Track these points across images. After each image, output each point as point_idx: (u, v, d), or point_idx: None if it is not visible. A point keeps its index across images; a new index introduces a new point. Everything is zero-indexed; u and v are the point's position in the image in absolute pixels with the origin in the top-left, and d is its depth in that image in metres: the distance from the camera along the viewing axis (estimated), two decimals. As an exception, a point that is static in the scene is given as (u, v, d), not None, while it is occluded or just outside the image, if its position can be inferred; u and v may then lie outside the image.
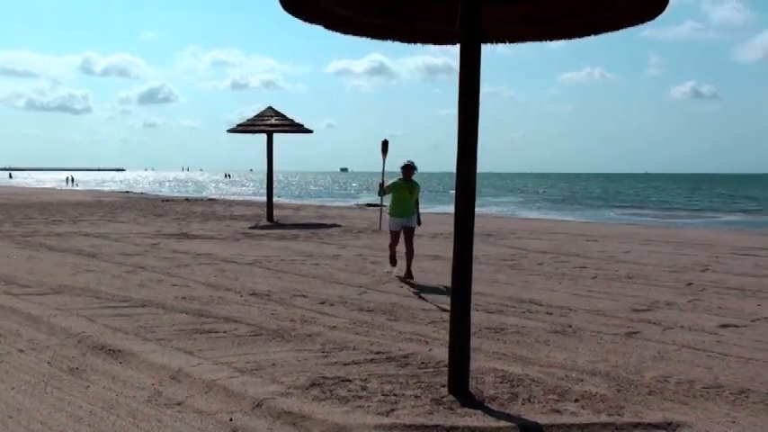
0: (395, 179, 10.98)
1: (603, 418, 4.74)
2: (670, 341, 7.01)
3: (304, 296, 9.21)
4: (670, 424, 4.67)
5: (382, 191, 11.13)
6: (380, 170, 11.35)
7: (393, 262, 11.38)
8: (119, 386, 5.44)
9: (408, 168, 10.90)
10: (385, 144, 11.24)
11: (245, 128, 22.42)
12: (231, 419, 4.72)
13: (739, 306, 8.87)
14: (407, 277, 10.71)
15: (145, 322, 7.53)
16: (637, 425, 4.65)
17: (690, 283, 10.62)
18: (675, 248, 15.78)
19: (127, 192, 58.85)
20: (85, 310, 8.13)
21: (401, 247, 11.14)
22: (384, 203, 11.48)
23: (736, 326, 7.74)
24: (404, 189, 10.90)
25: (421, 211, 11.27)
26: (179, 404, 5.02)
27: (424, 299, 9.17)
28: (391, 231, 11.11)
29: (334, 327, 7.43)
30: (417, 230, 11.36)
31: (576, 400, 5.11)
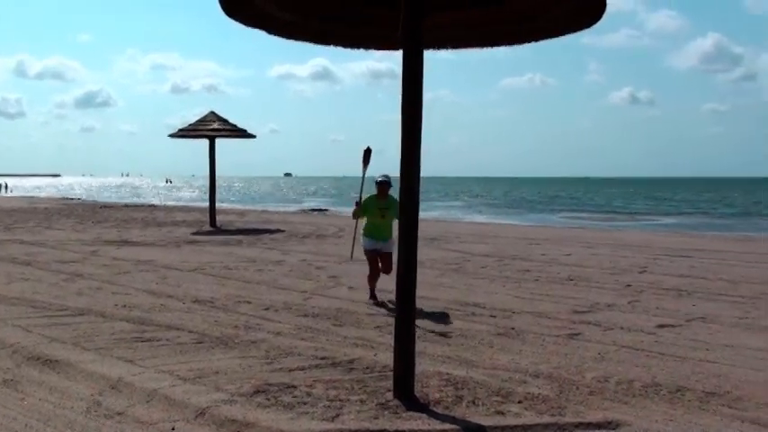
0: (370, 195, 9.34)
1: (546, 419, 4.81)
2: (610, 342, 7.16)
3: (248, 302, 9.11)
4: (610, 423, 4.77)
5: (359, 211, 9.34)
6: (360, 182, 9.46)
7: (371, 293, 9.52)
8: (56, 397, 5.30)
9: (383, 185, 9.21)
10: (367, 153, 9.35)
11: (186, 133, 22.10)
12: (173, 429, 4.65)
13: (675, 306, 9.11)
14: (372, 297, 9.45)
15: (83, 331, 7.35)
16: (578, 424, 4.73)
17: (629, 285, 10.86)
18: (615, 251, 16.13)
19: (64, 198, 57.42)
20: (20, 319, 7.89)
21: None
22: (359, 224, 9.74)
23: (672, 326, 7.95)
24: (376, 212, 9.23)
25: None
26: (119, 414, 4.91)
27: (369, 304, 9.17)
28: (365, 253, 9.44)
29: (279, 333, 7.38)
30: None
31: (520, 402, 5.17)
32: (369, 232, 9.40)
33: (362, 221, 9.53)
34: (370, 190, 9.44)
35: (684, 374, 5.99)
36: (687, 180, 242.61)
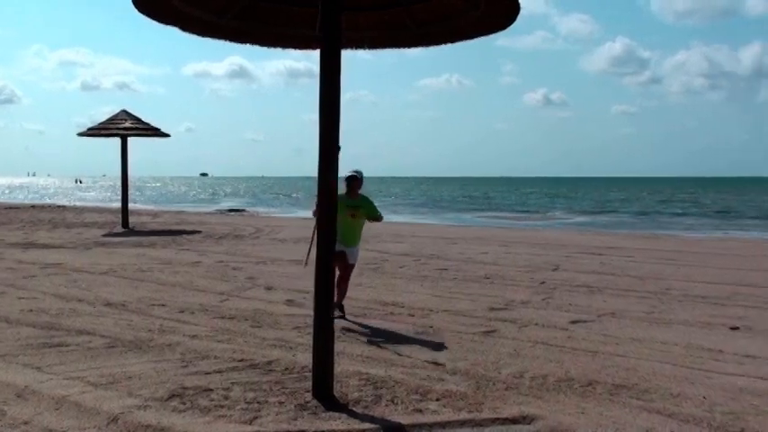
0: (340, 193, 7.44)
1: (464, 415, 4.88)
2: (525, 338, 7.31)
3: (162, 305, 8.91)
4: (525, 417, 4.87)
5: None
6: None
7: (340, 306, 8.31)
8: (-43, 408, 5.05)
9: (354, 181, 8.09)
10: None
11: (96, 131, 21.48)
12: (84, 437, 4.50)
13: (587, 302, 9.39)
14: (339, 311, 8.20)
15: (-13, 338, 7.04)
16: (495, 420, 4.81)
17: (543, 282, 11.13)
18: (530, 249, 16.50)
19: (-34, 199, 54.84)
20: None
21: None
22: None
23: (584, 321, 8.19)
24: (344, 210, 7.74)
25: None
26: (25, 423, 4.71)
27: (287, 305, 9.10)
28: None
29: (195, 335, 7.24)
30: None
31: (438, 399, 5.22)
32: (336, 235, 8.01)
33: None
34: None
35: (596, 368, 6.18)
36: (599, 179, 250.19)
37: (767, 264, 13.95)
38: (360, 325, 7.86)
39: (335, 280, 7.60)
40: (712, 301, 9.60)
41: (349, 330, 7.54)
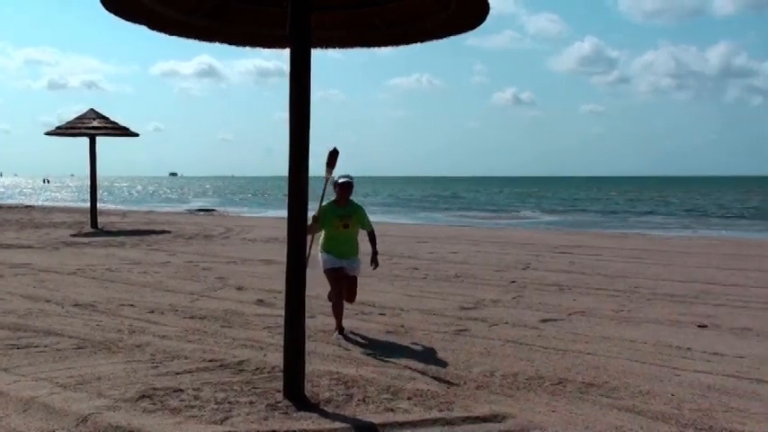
0: (327, 201, 7.34)
1: (435, 414, 4.90)
2: (495, 337, 7.36)
3: (132, 305, 8.82)
4: (496, 416, 4.90)
5: (317, 226, 7.22)
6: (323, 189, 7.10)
7: (338, 326, 7.50)
8: None
9: (345, 187, 7.40)
10: (333, 156, 6.88)
11: (64, 131, 21.20)
12: (52, 439, 4.44)
13: (557, 301, 9.46)
14: (340, 332, 7.45)
15: (-48, 340, 6.92)
16: (466, 418, 4.84)
17: (513, 281, 11.20)
18: (500, 248, 16.60)
19: (-70, 198, 53.82)
20: None
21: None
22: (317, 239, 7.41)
23: (554, 320, 8.26)
24: (335, 220, 7.34)
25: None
26: (-8, 426, 4.66)
27: (258, 305, 9.07)
28: (326, 273, 7.41)
29: (165, 336, 7.18)
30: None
31: (409, 398, 5.24)
32: (329, 248, 7.45)
33: (320, 236, 7.51)
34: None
35: (566, 366, 6.23)
36: (568, 179, 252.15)
37: (734, 262, 14.17)
38: (331, 325, 7.84)
39: (335, 300, 7.46)
40: (680, 299, 9.73)
41: (320, 330, 7.53)
